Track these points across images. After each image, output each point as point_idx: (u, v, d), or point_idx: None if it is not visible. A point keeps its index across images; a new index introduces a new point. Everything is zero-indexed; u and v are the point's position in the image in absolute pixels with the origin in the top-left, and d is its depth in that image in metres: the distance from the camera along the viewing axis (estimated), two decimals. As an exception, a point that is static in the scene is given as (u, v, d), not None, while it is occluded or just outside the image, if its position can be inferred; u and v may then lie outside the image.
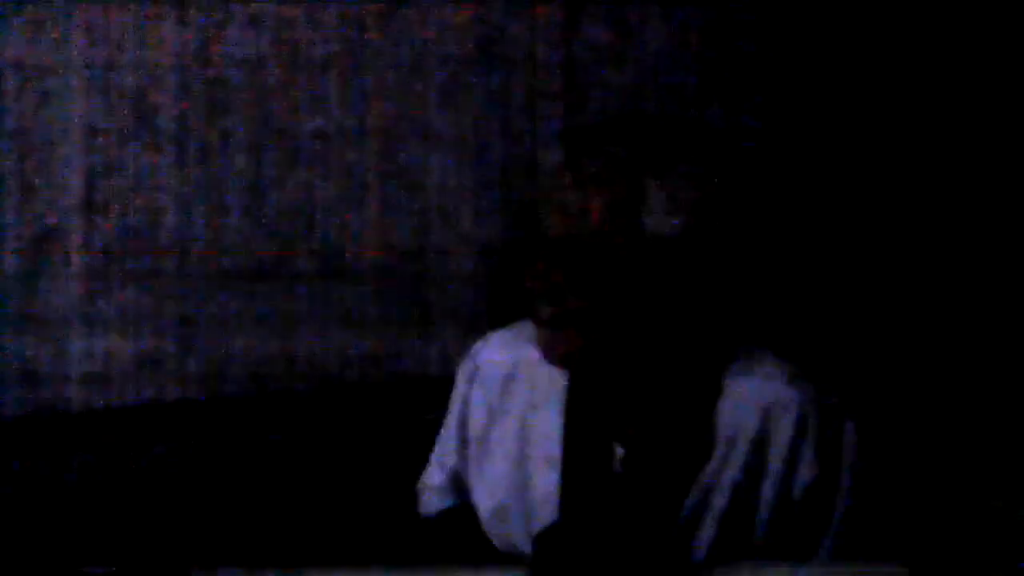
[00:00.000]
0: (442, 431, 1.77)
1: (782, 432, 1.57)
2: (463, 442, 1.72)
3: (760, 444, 1.57)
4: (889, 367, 2.27)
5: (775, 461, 1.57)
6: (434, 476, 1.76)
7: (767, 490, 1.57)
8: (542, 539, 1.56)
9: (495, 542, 1.67)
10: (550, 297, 1.53)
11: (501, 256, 2.34)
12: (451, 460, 1.73)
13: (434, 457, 1.77)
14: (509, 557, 1.63)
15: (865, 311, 2.32)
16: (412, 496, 1.78)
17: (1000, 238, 2.33)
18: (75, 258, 2.30)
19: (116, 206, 2.31)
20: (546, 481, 1.63)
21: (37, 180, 2.30)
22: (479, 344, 1.75)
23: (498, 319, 1.92)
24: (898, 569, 1.43)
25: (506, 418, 1.68)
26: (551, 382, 1.66)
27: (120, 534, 2.02)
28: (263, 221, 2.33)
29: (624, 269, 1.51)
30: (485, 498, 1.69)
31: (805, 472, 1.57)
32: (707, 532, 1.57)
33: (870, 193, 2.34)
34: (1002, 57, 2.33)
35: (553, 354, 1.56)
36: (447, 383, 1.74)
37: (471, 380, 1.72)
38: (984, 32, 2.34)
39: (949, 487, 2.04)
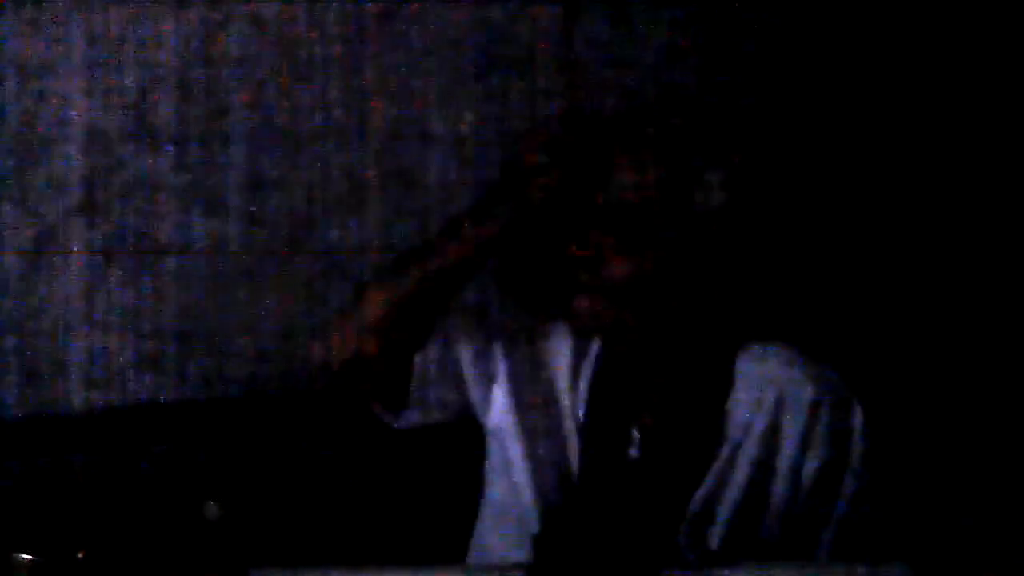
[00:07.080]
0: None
1: (795, 419, 1.59)
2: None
3: (773, 431, 1.59)
4: (897, 363, 2.27)
5: (788, 448, 1.59)
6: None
7: (780, 476, 1.59)
8: (539, 542, 1.56)
9: (489, 542, 1.67)
10: (595, 261, 1.57)
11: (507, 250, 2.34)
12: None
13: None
14: (506, 559, 1.63)
15: (874, 308, 2.32)
16: (408, 500, 1.77)
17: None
18: (75, 258, 2.30)
19: (116, 206, 2.31)
20: (561, 470, 1.63)
21: (37, 180, 2.30)
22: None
23: (508, 313, 1.93)
24: (900, 569, 1.43)
25: (525, 407, 1.69)
26: (573, 367, 1.67)
27: (120, 534, 2.02)
28: (263, 221, 2.33)
29: (671, 238, 1.55)
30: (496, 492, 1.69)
31: (816, 458, 1.59)
32: (721, 519, 1.58)
33: (875, 189, 2.34)
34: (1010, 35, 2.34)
35: (590, 321, 1.58)
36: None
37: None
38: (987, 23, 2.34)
39: (954, 485, 2.04)
